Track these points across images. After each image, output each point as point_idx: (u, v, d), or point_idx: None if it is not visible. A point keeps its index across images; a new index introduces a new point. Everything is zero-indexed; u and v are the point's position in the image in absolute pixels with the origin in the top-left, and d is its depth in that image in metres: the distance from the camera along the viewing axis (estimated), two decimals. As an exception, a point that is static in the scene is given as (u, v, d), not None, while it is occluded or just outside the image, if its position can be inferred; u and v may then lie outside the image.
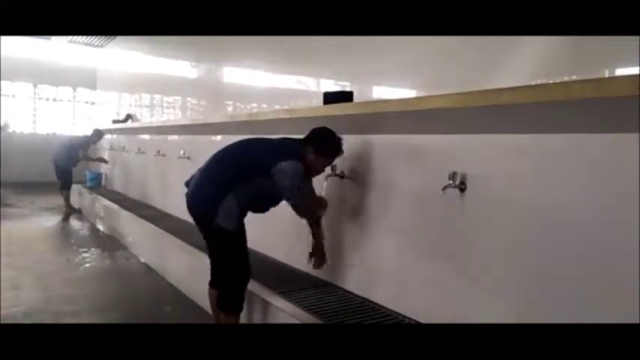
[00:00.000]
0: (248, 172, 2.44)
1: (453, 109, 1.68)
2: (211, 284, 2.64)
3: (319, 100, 2.63)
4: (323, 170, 2.61)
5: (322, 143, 2.49)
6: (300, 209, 2.53)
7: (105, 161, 7.86)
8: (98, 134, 7.55)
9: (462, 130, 2.05)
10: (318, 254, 2.74)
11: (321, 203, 2.68)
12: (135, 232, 4.97)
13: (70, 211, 7.10)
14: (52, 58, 10.95)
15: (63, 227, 6.32)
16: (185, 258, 3.66)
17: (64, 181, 7.17)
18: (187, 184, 2.63)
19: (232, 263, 2.49)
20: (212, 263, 2.60)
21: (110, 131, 7.83)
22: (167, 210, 5.42)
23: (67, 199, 7.19)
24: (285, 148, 2.51)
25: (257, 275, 2.85)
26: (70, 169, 7.18)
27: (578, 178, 1.65)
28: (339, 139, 2.50)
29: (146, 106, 6.97)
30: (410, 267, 2.34)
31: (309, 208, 2.59)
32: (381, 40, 2.42)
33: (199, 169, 2.61)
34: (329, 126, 2.75)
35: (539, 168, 1.77)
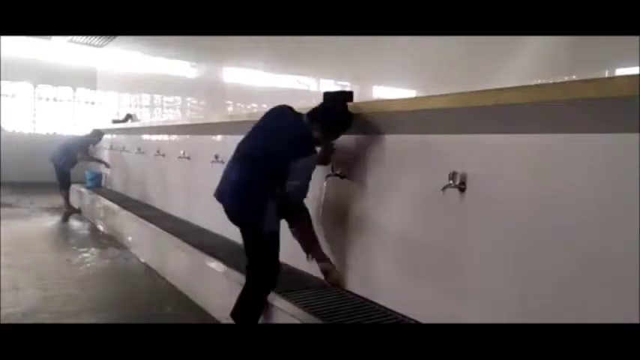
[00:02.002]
0: (277, 172, 2.43)
1: (453, 109, 1.68)
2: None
3: (319, 100, 2.63)
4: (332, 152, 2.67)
5: (336, 122, 2.48)
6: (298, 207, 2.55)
7: (106, 164, 7.82)
8: (98, 134, 7.55)
9: (462, 130, 2.05)
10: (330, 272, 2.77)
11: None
12: (135, 232, 4.97)
13: (70, 211, 7.10)
14: (52, 58, 10.94)
15: (63, 227, 6.32)
16: (185, 258, 3.66)
17: (62, 181, 7.16)
18: (219, 195, 2.61)
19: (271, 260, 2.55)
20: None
21: (110, 131, 7.83)
22: (167, 210, 5.43)
23: (66, 199, 7.19)
24: (304, 139, 2.47)
25: (257, 275, 2.85)
26: (67, 169, 7.17)
27: (578, 178, 1.65)
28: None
29: (146, 106, 6.97)
30: (410, 267, 2.34)
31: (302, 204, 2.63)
32: (381, 40, 2.42)
33: (231, 172, 2.57)
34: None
35: (539, 168, 1.77)
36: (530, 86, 1.43)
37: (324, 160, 2.70)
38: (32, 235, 5.60)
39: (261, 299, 2.54)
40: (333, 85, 3.06)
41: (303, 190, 2.49)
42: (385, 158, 2.49)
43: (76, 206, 7.35)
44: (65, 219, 6.78)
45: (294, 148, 2.41)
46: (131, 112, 7.32)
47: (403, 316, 2.34)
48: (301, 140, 2.46)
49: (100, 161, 7.84)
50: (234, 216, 2.59)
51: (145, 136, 6.55)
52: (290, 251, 3.22)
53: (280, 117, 2.60)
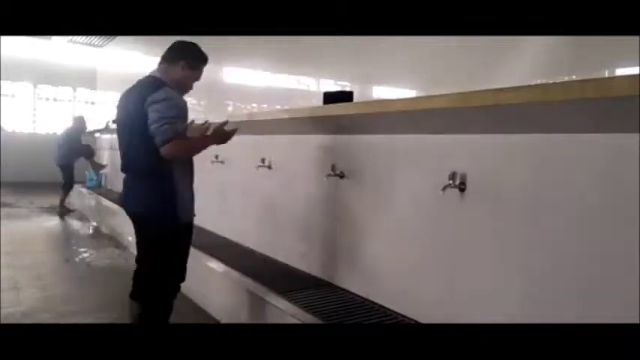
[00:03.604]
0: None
1: (453, 109, 1.68)
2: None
3: (319, 100, 2.64)
4: (192, 87, 2.41)
5: (193, 54, 2.35)
6: (172, 146, 2.11)
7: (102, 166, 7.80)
8: (81, 120, 7.53)
9: (462, 130, 2.05)
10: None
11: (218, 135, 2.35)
12: (135, 232, 4.96)
13: (63, 211, 7.05)
14: (52, 58, 10.96)
15: (63, 227, 6.32)
16: (185, 258, 3.65)
17: (68, 181, 7.14)
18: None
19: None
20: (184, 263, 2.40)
21: (111, 131, 7.83)
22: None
23: (63, 199, 7.15)
24: (147, 87, 2.21)
25: (257, 275, 2.85)
26: (72, 163, 7.14)
27: (578, 178, 1.65)
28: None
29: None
30: (409, 267, 2.34)
31: (184, 145, 2.22)
32: (381, 40, 2.42)
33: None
34: (329, 126, 2.75)
35: (539, 168, 1.77)
36: (530, 86, 1.43)
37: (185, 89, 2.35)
38: (32, 235, 5.60)
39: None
40: (333, 85, 3.06)
41: (164, 127, 2.10)
42: (385, 158, 2.50)
43: (73, 207, 7.33)
44: (61, 217, 6.77)
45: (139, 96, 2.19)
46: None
47: (403, 316, 2.34)
48: (144, 84, 2.26)
49: (89, 158, 7.72)
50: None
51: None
52: (289, 251, 3.23)
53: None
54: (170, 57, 2.31)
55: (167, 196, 2.19)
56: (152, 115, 2.11)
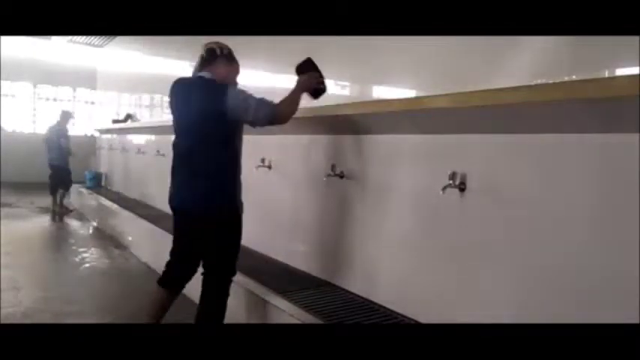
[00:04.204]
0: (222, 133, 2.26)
1: (453, 109, 1.68)
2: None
3: (319, 100, 2.63)
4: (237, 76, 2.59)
5: (225, 51, 2.50)
6: (274, 111, 2.24)
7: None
8: (66, 115, 7.39)
9: (462, 130, 2.05)
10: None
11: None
12: (135, 232, 4.96)
13: (63, 212, 7.03)
14: (52, 58, 10.96)
15: (63, 227, 6.32)
16: (185, 258, 3.65)
17: (60, 181, 7.09)
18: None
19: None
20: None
21: (110, 131, 7.83)
22: (167, 210, 5.42)
23: (61, 199, 7.12)
24: (209, 87, 2.34)
25: (257, 275, 2.85)
26: (65, 165, 7.09)
27: (578, 178, 1.65)
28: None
29: (146, 106, 6.97)
30: (410, 267, 2.34)
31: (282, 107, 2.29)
32: (381, 40, 2.42)
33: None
34: (329, 126, 2.75)
35: (539, 168, 1.77)
36: (530, 86, 1.43)
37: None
38: (32, 235, 5.60)
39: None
40: (333, 85, 3.06)
41: (256, 102, 2.22)
42: (385, 158, 2.49)
43: (75, 206, 7.32)
44: (59, 220, 6.74)
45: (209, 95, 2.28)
46: (131, 112, 7.31)
47: (403, 316, 2.34)
48: (205, 84, 2.36)
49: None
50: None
51: (145, 136, 6.55)
52: (289, 251, 3.23)
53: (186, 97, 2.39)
54: (208, 59, 2.44)
55: (236, 192, 2.34)
56: (241, 104, 2.21)
